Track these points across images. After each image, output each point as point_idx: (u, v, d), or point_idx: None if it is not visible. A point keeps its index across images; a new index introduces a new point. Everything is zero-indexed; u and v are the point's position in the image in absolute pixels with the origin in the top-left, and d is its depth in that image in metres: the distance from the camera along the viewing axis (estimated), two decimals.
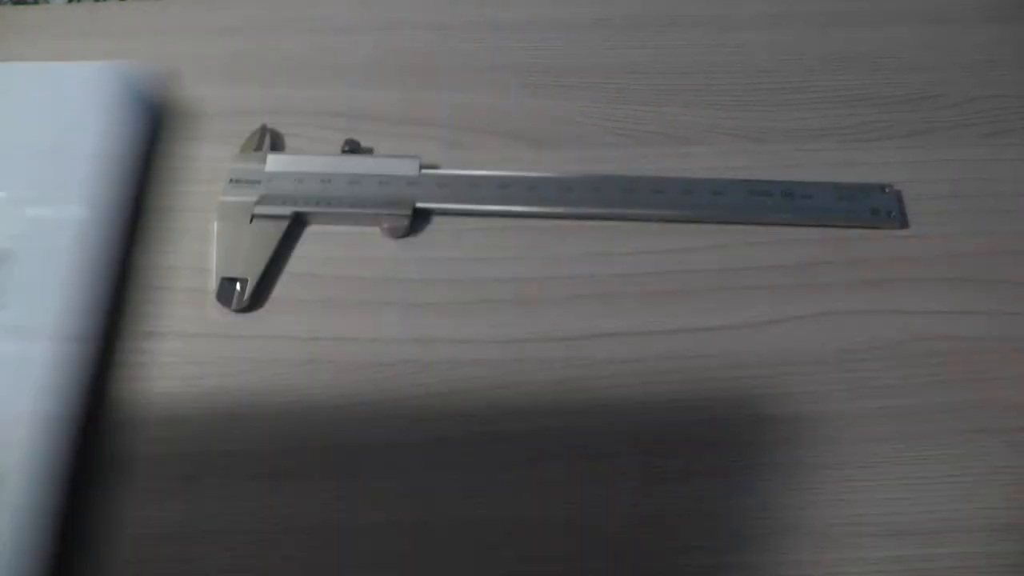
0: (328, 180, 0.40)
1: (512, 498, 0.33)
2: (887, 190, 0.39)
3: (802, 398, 0.34)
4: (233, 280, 0.37)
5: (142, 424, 0.34)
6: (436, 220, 0.40)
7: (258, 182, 0.40)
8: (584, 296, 0.37)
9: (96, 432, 0.34)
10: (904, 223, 0.39)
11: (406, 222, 0.39)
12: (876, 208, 0.39)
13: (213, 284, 0.37)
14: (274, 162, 0.40)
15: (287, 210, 0.39)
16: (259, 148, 0.41)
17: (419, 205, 0.39)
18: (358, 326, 0.37)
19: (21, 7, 0.51)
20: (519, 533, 0.32)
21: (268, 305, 0.37)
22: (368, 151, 0.42)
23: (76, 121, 0.39)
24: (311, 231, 0.40)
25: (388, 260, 0.39)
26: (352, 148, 0.41)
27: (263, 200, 0.39)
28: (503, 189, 0.40)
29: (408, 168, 0.40)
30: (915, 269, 0.38)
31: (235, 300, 0.37)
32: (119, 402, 0.35)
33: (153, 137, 0.42)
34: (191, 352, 0.36)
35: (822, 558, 0.31)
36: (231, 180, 0.40)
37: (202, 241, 0.39)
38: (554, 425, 0.34)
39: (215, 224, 0.39)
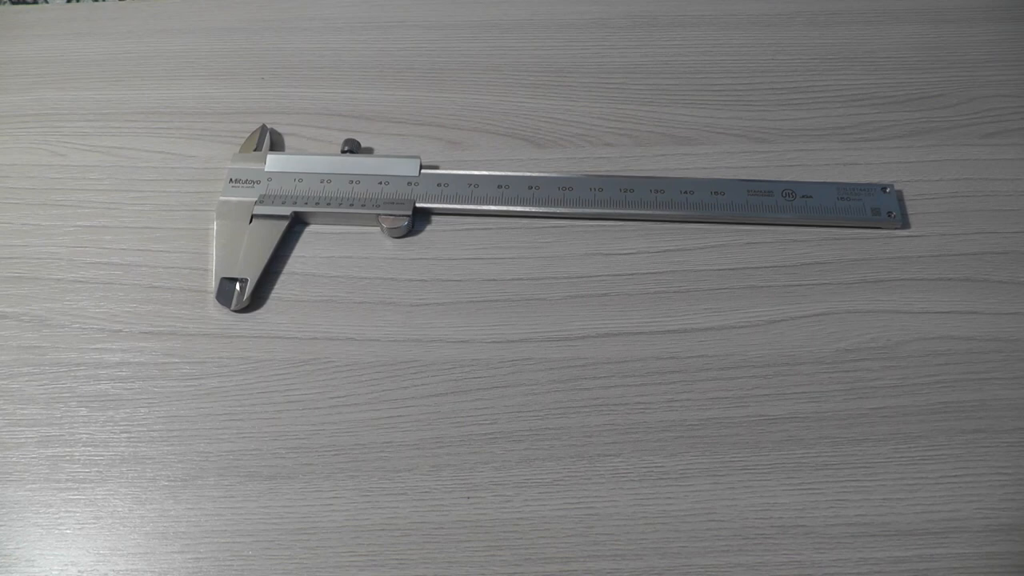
0: (328, 180, 0.40)
1: (512, 498, 0.33)
2: (887, 190, 0.39)
3: (802, 398, 0.34)
4: (233, 280, 0.37)
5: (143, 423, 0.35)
6: (436, 220, 0.40)
7: (258, 182, 0.40)
8: (584, 296, 0.37)
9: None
10: (904, 223, 0.39)
11: (406, 222, 0.39)
12: (876, 208, 0.39)
13: (213, 284, 0.37)
14: (274, 162, 0.40)
15: (287, 210, 0.39)
16: (259, 148, 0.41)
17: (419, 205, 0.39)
18: (358, 326, 0.37)
19: (21, 7, 0.50)
20: (519, 533, 0.32)
21: (268, 305, 0.37)
22: (368, 151, 0.42)
23: None
24: (311, 231, 0.40)
25: (388, 260, 0.39)
26: (352, 148, 0.41)
27: (263, 200, 0.39)
28: (503, 189, 0.40)
29: (408, 168, 0.40)
30: (915, 269, 0.38)
31: (235, 300, 0.37)
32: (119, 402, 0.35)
33: None
34: (191, 352, 0.36)
35: (822, 558, 0.31)
36: (231, 180, 0.40)
37: (202, 241, 0.39)
38: (554, 425, 0.34)
39: (215, 224, 0.39)
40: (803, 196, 0.39)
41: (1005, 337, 0.36)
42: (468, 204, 0.39)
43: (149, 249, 0.39)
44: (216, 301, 0.37)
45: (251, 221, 0.39)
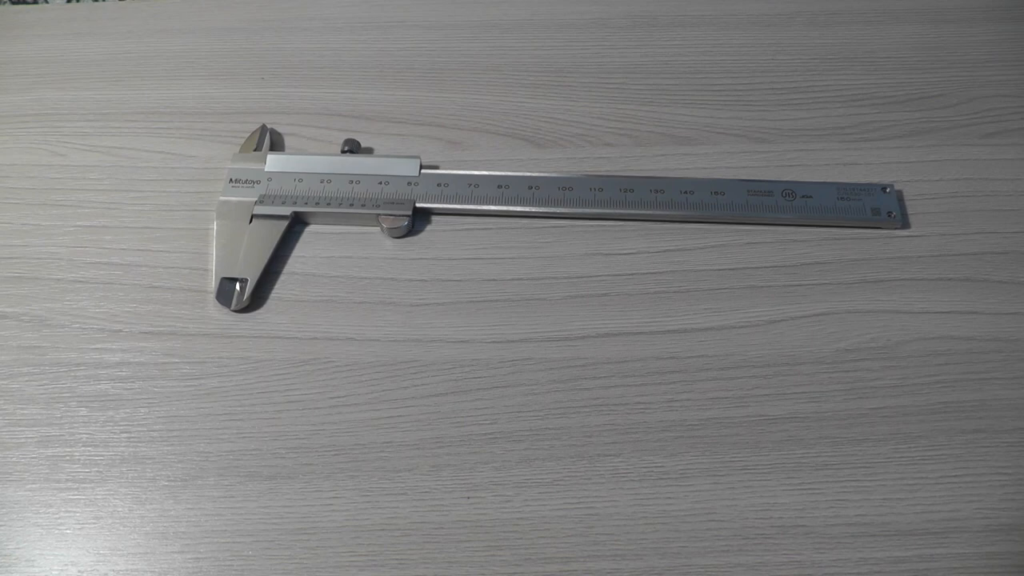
0: (328, 180, 0.40)
1: (512, 498, 0.33)
2: (887, 190, 0.39)
3: (802, 398, 0.34)
4: (233, 280, 0.37)
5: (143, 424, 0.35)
6: (436, 220, 0.40)
7: (258, 182, 0.40)
8: (584, 296, 0.37)
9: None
10: (904, 223, 0.39)
11: (406, 222, 0.39)
12: (876, 208, 0.39)
13: (213, 284, 0.37)
14: (274, 162, 0.40)
15: (287, 210, 0.39)
16: (259, 148, 0.41)
17: (419, 205, 0.39)
18: (358, 326, 0.37)
19: (21, 7, 0.50)
20: (519, 533, 0.32)
21: (268, 305, 0.37)
22: (368, 151, 0.42)
23: None
24: (311, 231, 0.40)
25: (388, 260, 0.39)
26: (352, 148, 0.41)
27: (263, 200, 0.39)
28: (503, 189, 0.40)
29: (408, 168, 0.40)
30: (915, 269, 0.38)
31: (235, 300, 0.37)
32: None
33: None
34: (191, 352, 0.36)
35: (822, 558, 0.31)
36: (231, 180, 0.40)
37: (202, 241, 0.39)
38: (554, 425, 0.34)
39: (215, 224, 0.39)
40: (803, 196, 0.39)
41: (1005, 337, 0.36)
42: (468, 204, 0.39)
43: (149, 249, 0.39)
44: (216, 301, 0.37)
45: (251, 221, 0.39)
